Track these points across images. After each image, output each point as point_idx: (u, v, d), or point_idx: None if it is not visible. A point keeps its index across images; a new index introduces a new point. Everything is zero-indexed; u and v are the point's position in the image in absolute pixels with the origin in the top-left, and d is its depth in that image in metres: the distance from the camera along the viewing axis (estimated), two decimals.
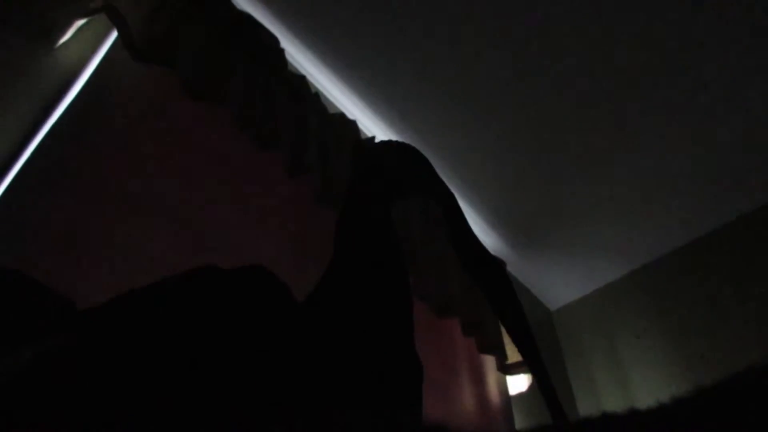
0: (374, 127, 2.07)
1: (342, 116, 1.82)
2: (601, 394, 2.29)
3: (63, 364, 0.29)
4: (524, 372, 1.99)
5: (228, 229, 1.30)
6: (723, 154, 1.98)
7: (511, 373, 2.02)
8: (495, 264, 0.75)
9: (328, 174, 1.55)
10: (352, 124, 1.83)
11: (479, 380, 1.91)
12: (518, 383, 2.05)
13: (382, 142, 0.85)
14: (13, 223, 0.93)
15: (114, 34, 1.32)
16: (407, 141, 0.82)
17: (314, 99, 1.73)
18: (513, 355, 1.95)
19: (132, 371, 0.31)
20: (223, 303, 0.43)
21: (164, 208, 1.19)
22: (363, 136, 1.90)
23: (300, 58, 1.91)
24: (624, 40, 1.71)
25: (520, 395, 2.05)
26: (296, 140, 1.53)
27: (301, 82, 1.71)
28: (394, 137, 2.07)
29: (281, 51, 1.67)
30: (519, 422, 1.97)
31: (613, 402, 2.19)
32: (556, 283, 2.66)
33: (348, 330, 0.52)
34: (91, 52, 1.29)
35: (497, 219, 2.37)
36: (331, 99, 2.01)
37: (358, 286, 0.58)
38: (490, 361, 2.00)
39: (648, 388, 2.11)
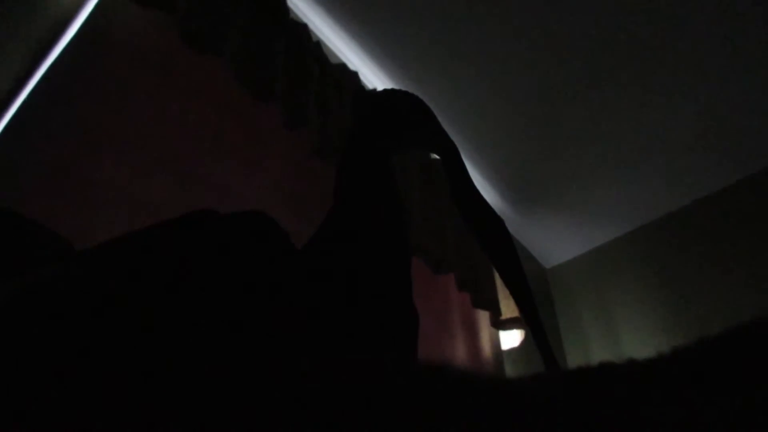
0: (376, 79, 2.04)
1: (343, 67, 1.79)
2: (591, 352, 2.34)
3: (54, 294, 0.28)
4: (517, 328, 2.02)
5: (227, 178, 1.29)
6: (722, 119, 1.97)
7: (504, 329, 2.04)
8: (496, 219, 0.75)
9: (326, 126, 1.53)
10: (354, 76, 1.80)
11: (472, 334, 1.94)
12: (511, 338, 2.08)
13: (384, 90, 0.83)
14: (10, 166, 0.92)
15: None
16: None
17: (315, 48, 1.69)
18: (506, 310, 1.97)
19: (127, 309, 0.31)
20: (222, 244, 0.43)
21: (161, 154, 1.17)
22: (365, 88, 1.87)
23: (302, 5, 1.85)
24: (630, 4, 1.67)
25: (512, 350, 2.09)
26: (294, 94, 1.50)
27: (302, 30, 1.67)
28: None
29: None
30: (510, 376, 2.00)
31: (603, 359, 2.23)
32: (552, 242, 2.67)
33: (346, 278, 0.52)
34: None
35: (496, 176, 2.36)
36: (333, 49, 1.96)
37: (357, 234, 0.58)
38: (483, 316, 2.03)
39: (638, 346, 2.15)
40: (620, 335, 2.27)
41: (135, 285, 0.33)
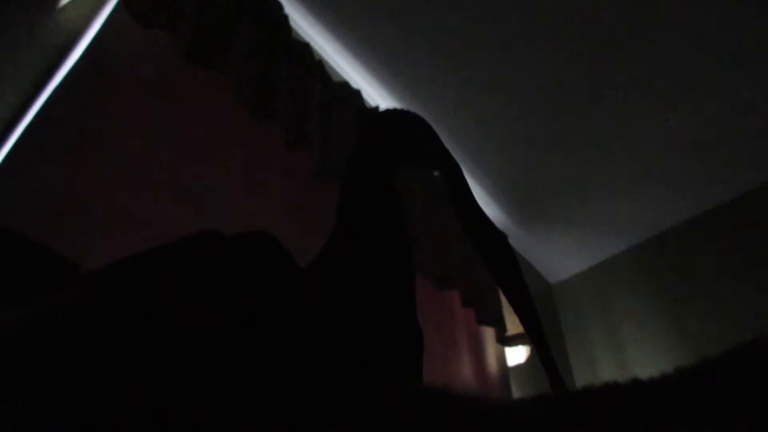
0: (378, 97, 2.05)
1: (346, 85, 1.80)
2: (598, 367, 2.32)
3: (65, 321, 0.29)
4: (523, 344, 2.01)
5: (229, 198, 1.30)
6: (724, 132, 1.97)
7: (510, 345, 2.04)
8: (498, 235, 0.75)
9: (329, 146, 1.54)
10: (356, 94, 1.81)
11: (478, 351, 1.93)
12: (517, 355, 2.07)
13: (387, 110, 0.83)
14: (14, 187, 0.93)
15: None
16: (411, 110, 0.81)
17: (318, 67, 1.70)
18: (512, 327, 1.96)
19: (135, 334, 0.31)
20: (227, 265, 0.43)
21: (164, 175, 1.18)
22: (367, 106, 1.88)
23: (305, 24, 1.88)
24: (630, 14, 1.68)
25: (518, 367, 2.07)
26: (296, 115, 1.51)
27: (305, 49, 1.69)
28: (398, 107, 2.05)
29: (285, 17, 1.64)
30: (516, 393, 1.99)
31: (609, 375, 2.22)
32: (557, 257, 2.66)
33: (350, 296, 0.53)
34: (93, 13, 1.27)
35: (500, 191, 2.36)
36: (336, 68, 1.98)
37: (361, 254, 0.58)
38: (489, 333, 2.02)
39: (645, 362, 2.14)
40: (626, 350, 2.25)
41: (142, 311, 0.33)
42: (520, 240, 2.57)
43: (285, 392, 0.24)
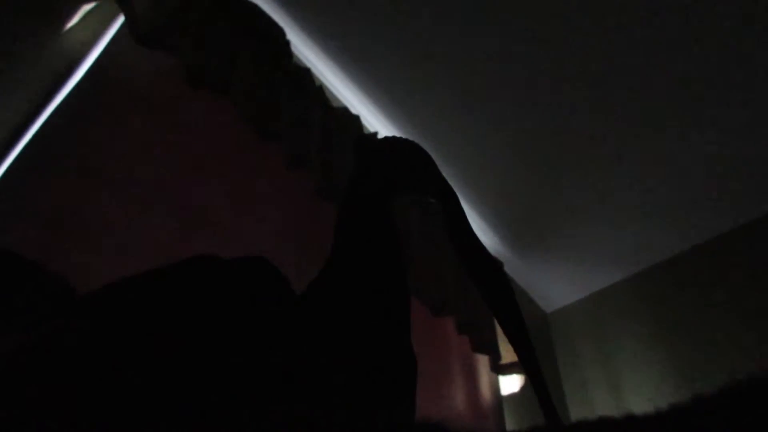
0: (377, 123, 2.07)
1: (346, 110, 1.82)
2: (593, 398, 2.30)
3: (59, 349, 0.29)
4: (517, 372, 2.00)
5: (228, 219, 1.30)
6: (723, 163, 1.98)
7: (504, 374, 2.02)
8: (494, 263, 0.75)
9: (328, 167, 1.55)
10: (356, 119, 1.83)
11: (472, 379, 1.91)
12: (511, 384, 2.05)
13: (385, 138, 0.84)
14: (13, 205, 0.93)
15: (120, 20, 1.31)
16: (410, 138, 0.82)
17: (318, 92, 1.72)
18: (506, 355, 1.95)
19: (130, 362, 0.31)
20: (222, 293, 0.43)
21: (164, 196, 1.18)
22: (366, 132, 1.90)
23: (305, 50, 1.90)
24: (628, 44, 1.71)
25: (512, 396, 2.06)
26: (297, 134, 1.52)
27: (305, 74, 1.70)
28: (397, 134, 2.07)
29: (287, 43, 1.66)
30: (510, 422, 1.97)
31: (604, 407, 2.20)
32: (553, 286, 2.66)
33: (344, 323, 0.52)
34: (96, 36, 1.29)
35: (496, 220, 2.37)
36: (336, 93, 2.00)
37: (356, 280, 0.58)
38: (483, 361, 2.00)
39: (640, 393, 2.12)
40: (621, 380, 2.23)
41: (136, 337, 0.33)
42: (516, 268, 2.57)
43: (271, 424, 0.24)
